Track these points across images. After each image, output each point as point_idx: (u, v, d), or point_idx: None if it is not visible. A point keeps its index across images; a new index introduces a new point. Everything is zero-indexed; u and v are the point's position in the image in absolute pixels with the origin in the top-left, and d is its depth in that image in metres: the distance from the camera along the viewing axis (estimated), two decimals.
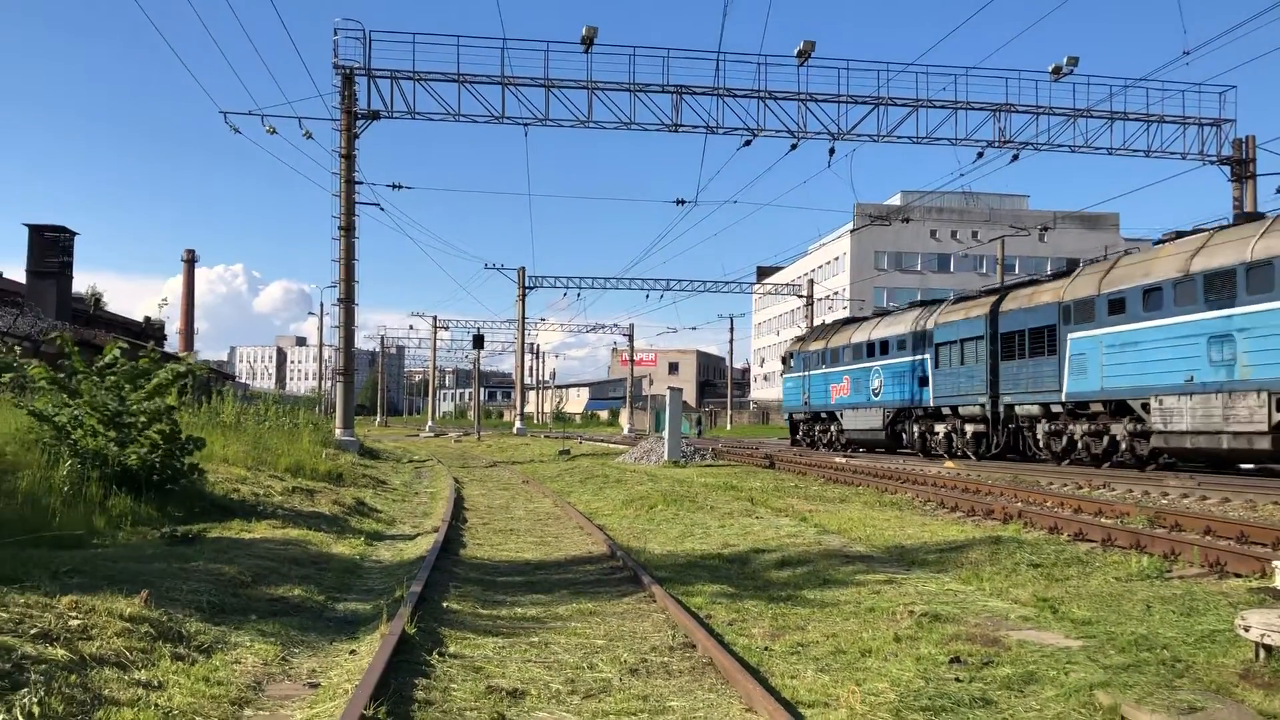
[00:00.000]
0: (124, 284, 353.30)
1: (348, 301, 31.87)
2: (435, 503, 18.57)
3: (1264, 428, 18.15)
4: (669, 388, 32.56)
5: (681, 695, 5.63)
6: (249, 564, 9.03)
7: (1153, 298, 21.18)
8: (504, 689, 5.67)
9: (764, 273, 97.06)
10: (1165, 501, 15.33)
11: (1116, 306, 22.31)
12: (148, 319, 57.84)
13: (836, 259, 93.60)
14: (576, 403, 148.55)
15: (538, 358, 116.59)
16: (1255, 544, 10.41)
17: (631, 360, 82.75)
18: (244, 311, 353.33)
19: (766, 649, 6.74)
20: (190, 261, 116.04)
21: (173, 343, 79.05)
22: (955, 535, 12.08)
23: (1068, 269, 26.75)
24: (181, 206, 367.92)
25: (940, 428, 30.50)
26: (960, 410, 29.02)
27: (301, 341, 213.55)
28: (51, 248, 37.71)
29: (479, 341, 64.09)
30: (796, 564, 10.20)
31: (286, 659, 6.42)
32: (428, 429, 76.90)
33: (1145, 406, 21.31)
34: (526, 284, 62.68)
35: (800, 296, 69.71)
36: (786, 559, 10.52)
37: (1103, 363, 22.60)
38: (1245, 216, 22.11)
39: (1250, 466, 21.61)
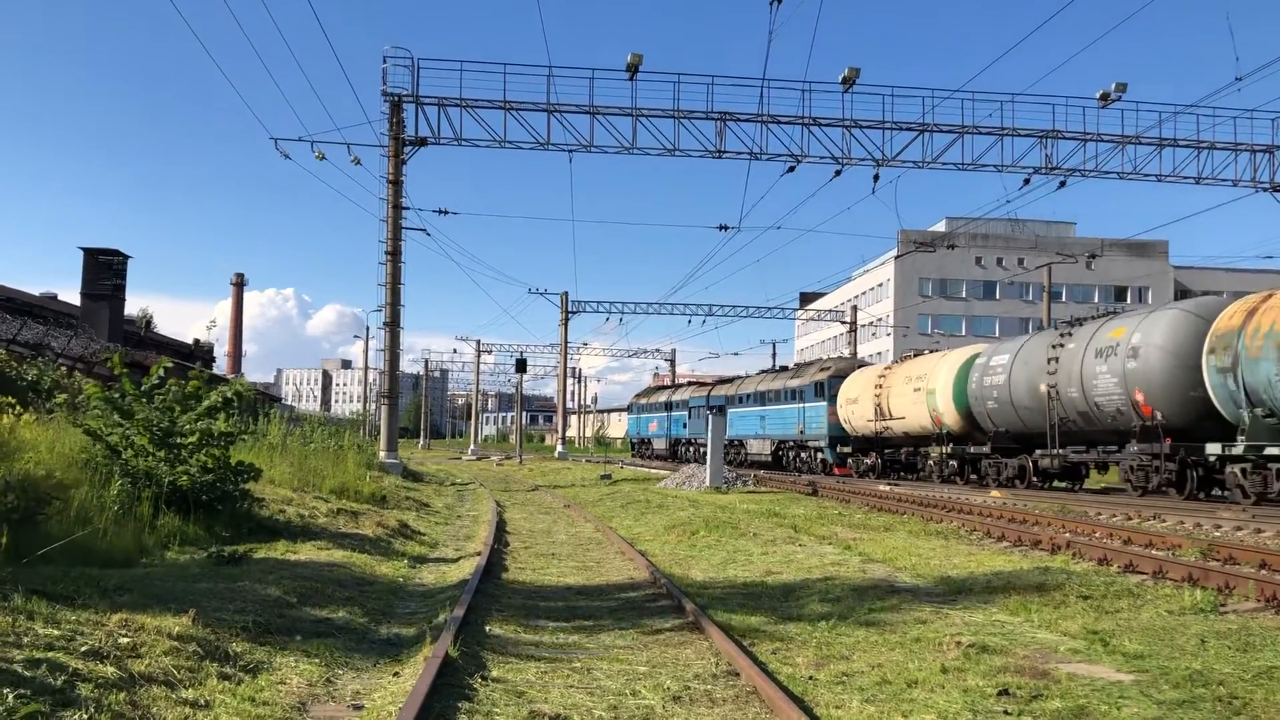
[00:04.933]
0: (175, 307, 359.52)
1: (393, 325, 32.18)
2: (478, 526, 18.62)
3: (769, 452, 43.42)
4: (712, 412, 32.47)
5: None
6: (294, 585, 9.11)
7: (750, 399, 45.84)
8: (547, 714, 5.66)
9: (807, 299, 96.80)
10: (1219, 534, 15.00)
11: (742, 400, 46.71)
12: (197, 341, 58.77)
13: (880, 285, 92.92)
14: (618, 427, 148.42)
15: (580, 382, 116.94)
16: None
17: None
18: (294, 334, 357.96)
19: (811, 678, 6.67)
20: (239, 285, 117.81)
21: (220, 365, 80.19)
22: (1002, 566, 11.92)
23: (734, 378, 54.28)
24: (233, 231, 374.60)
25: (692, 449, 53.03)
26: (698, 441, 50.91)
27: (347, 364, 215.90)
28: (105, 270, 38.40)
29: (521, 365, 64.46)
30: (840, 593, 10.10)
31: (331, 680, 6.46)
32: (470, 452, 77.26)
33: (745, 443, 46.42)
34: (569, 308, 63.05)
35: (843, 323, 69.35)
36: (830, 588, 10.42)
37: (737, 423, 46.03)
38: (782, 367, 49.62)
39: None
